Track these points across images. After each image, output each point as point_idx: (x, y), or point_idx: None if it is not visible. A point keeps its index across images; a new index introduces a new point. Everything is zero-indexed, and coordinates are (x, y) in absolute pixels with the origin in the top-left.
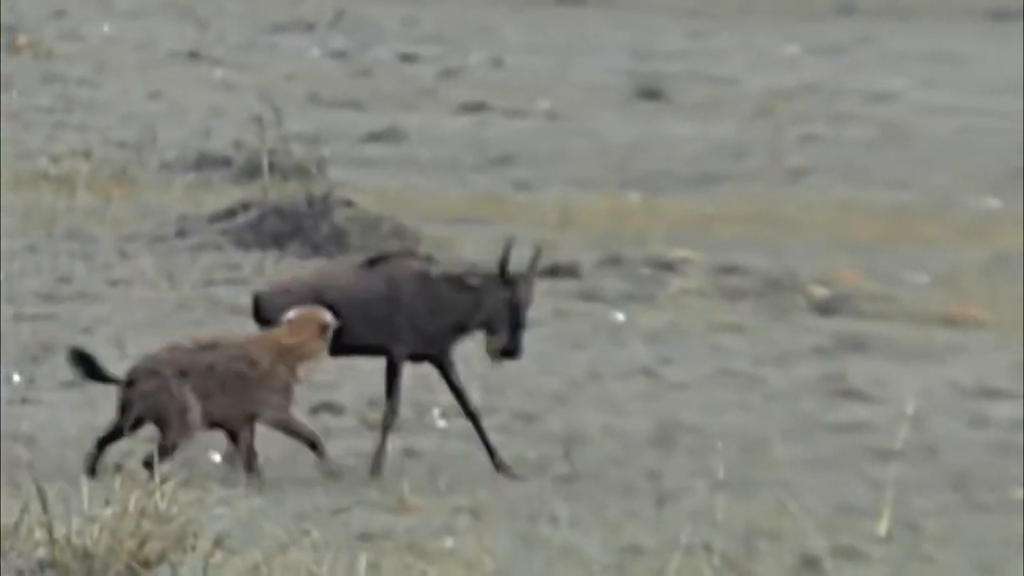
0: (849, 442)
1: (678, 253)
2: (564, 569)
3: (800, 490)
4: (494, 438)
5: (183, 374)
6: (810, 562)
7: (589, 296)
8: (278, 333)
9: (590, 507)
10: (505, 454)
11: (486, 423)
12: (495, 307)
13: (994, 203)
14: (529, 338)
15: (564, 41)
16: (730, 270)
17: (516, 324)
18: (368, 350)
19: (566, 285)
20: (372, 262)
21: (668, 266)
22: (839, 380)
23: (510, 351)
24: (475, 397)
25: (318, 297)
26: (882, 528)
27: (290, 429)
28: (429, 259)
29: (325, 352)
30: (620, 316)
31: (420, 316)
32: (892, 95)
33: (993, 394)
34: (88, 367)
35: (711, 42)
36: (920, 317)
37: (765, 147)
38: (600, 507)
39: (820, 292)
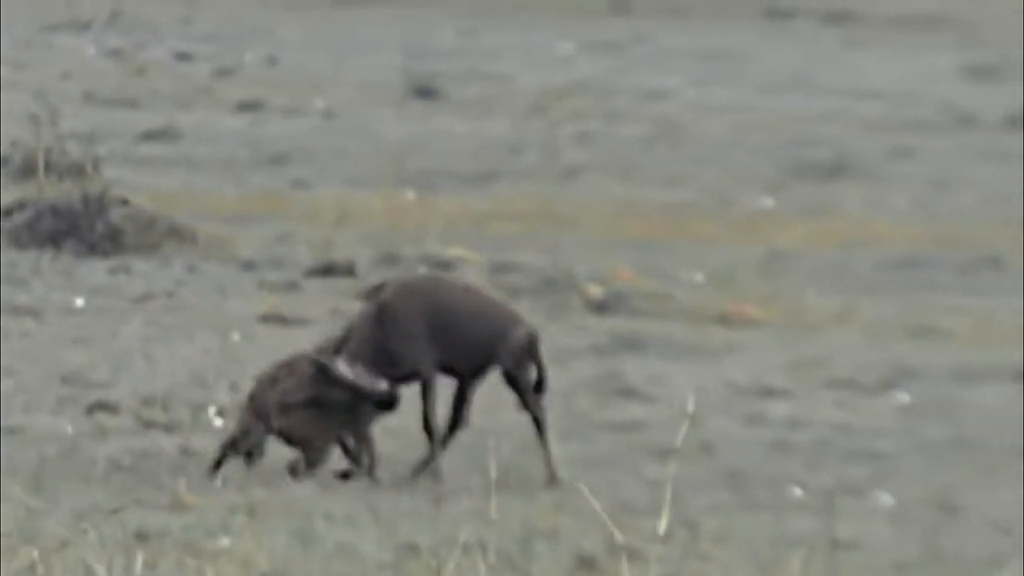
0: (626, 441)
1: (454, 251)
2: (341, 567)
3: (577, 489)
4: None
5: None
6: (586, 561)
7: None
8: None
9: (366, 505)
10: (281, 453)
11: None
12: None
13: (769, 202)
14: (304, 336)
15: (339, 40)
16: (506, 268)
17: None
18: None
19: (342, 284)
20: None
21: (444, 264)
22: (615, 379)
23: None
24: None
25: None
26: (661, 527)
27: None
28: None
29: None
30: None
31: None
32: (667, 93)
33: (768, 393)
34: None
35: (485, 40)
36: (696, 315)
37: (540, 145)
38: (376, 505)
39: (596, 291)
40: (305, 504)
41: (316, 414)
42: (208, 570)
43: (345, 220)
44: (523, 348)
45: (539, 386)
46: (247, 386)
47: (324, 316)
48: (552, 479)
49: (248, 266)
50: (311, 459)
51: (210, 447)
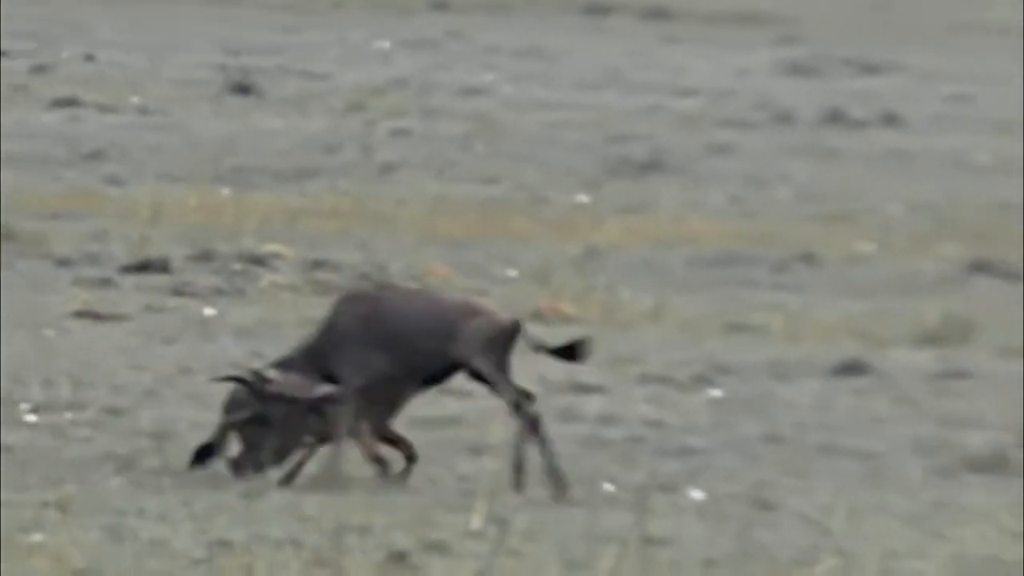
0: (441, 437)
1: (269, 248)
2: (154, 563)
3: (391, 486)
4: (83, 433)
5: None
6: (398, 556)
7: (180, 291)
8: None
9: (179, 501)
10: (94, 449)
11: (75, 418)
12: None
13: (584, 198)
14: (119, 333)
15: (155, 36)
16: (321, 265)
17: None
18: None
19: (157, 280)
20: None
21: (259, 261)
22: None
23: None
24: (64, 392)
25: None
26: (475, 522)
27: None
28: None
29: None
30: (211, 311)
31: None
32: (483, 90)
33: (582, 389)
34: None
35: (303, 37)
36: (510, 312)
37: (356, 142)
38: (189, 501)
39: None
40: (118, 500)
41: (265, 429)
42: (18, 566)
43: (160, 217)
44: (478, 339)
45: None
46: (61, 382)
47: (139, 312)
48: (556, 489)
49: (63, 263)
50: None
51: (23, 443)
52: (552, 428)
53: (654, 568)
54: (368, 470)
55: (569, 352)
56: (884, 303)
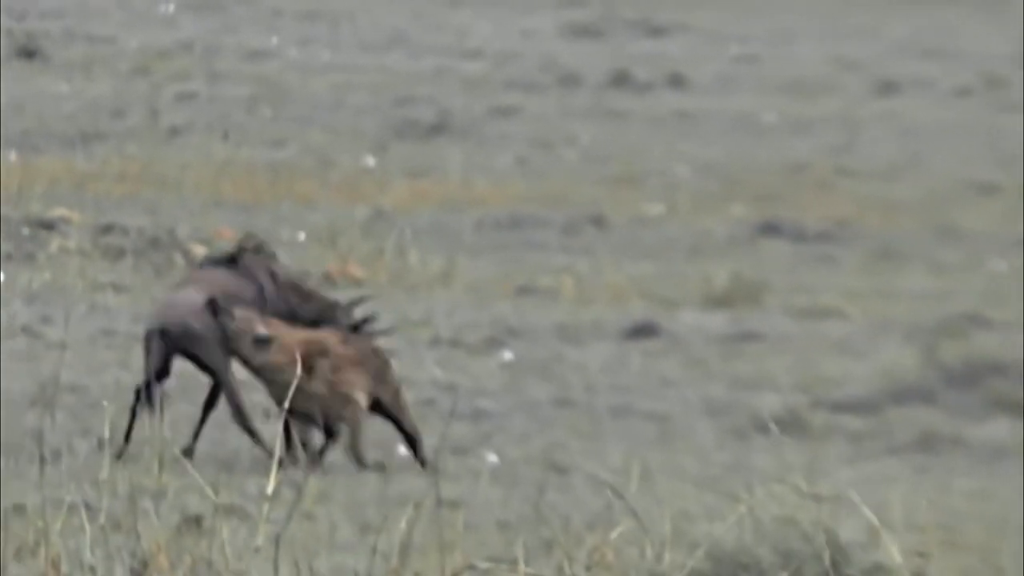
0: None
1: (56, 212)
2: None
3: (180, 451)
4: None
5: None
6: (193, 520)
7: None
8: None
9: None
10: None
11: None
12: None
13: (371, 161)
14: None
15: None
16: (109, 229)
17: None
18: None
19: None
20: None
21: (47, 225)
22: None
23: None
24: None
25: None
26: (269, 487)
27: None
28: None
29: None
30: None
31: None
32: (269, 53)
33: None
34: None
35: (88, 0)
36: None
37: (142, 106)
38: None
39: (199, 250)
40: None
41: None
42: None
43: None
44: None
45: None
46: None
47: None
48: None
49: None
50: None
51: None
52: None
53: (448, 531)
54: (157, 435)
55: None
56: (673, 265)
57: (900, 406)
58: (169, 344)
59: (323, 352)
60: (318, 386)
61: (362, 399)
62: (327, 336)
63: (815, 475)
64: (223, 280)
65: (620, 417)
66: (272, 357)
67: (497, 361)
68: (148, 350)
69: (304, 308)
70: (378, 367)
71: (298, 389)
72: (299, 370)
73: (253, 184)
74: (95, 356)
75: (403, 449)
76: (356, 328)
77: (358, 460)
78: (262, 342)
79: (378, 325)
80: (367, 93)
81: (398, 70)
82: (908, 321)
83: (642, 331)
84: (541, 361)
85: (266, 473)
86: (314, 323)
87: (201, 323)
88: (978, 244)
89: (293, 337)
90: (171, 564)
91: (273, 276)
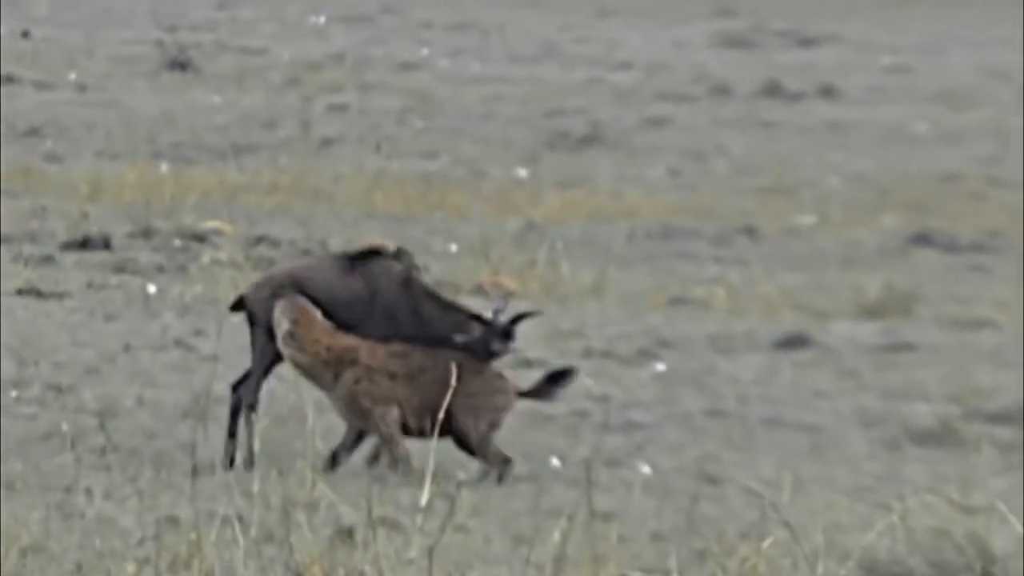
0: None
1: (209, 224)
2: (101, 541)
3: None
4: (27, 410)
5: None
6: (346, 533)
7: (121, 268)
8: None
9: (125, 478)
10: (39, 427)
11: (19, 396)
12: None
13: (523, 172)
14: (61, 310)
15: (90, 12)
16: (261, 240)
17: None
18: None
19: (98, 257)
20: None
21: (199, 237)
22: None
23: None
24: (7, 370)
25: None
26: (423, 499)
27: None
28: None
29: None
30: (152, 288)
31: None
32: (419, 65)
33: (525, 364)
34: None
35: (238, 12)
36: (451, 287)
37: (294, 117)
38: (135, 478)
39: None
40: (64, 478)
41: None
42: None
43: (99, 194)
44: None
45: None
46: (4, 360)
47: (80, 290)
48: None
49: (3, 241)
50: None
51: None
52: None
53: (601, 543)
54: (309, 446)
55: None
56: (825, 276)
57: None
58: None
59: (352, 361)
60: (341, 393)
61: (392, 412)
62: (363, 345)
63: (967, 486)
64: (321, 271)
65: (772, 428)
66: (295, 354)
67: (649, 372)
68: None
69: (442, 320)
70: (439, 383)
71: (329, 394)
72: (325, 374)
73: (405, 195)
74: (246, 368)
75: (556, 460)
76: (487, 344)
77: (400, 471)
78: (289, 336)
79: (517, 342)
80: (518, 104)
81: (549, 81)
82: None
83: (794, 342)
84: (693, 372)
85: (419, 485)
86: (447, 336)
87: (257, 304)
88: None
89: (324, 340)
90: None
91: (406, 284)
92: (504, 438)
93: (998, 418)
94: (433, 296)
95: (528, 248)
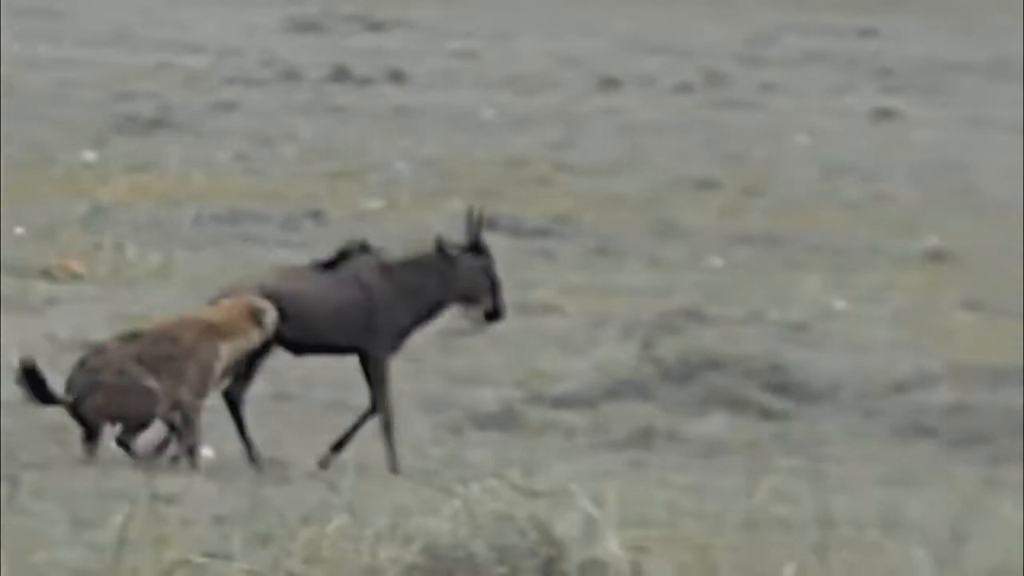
0: None
1: None
2: None
3: None
4: None
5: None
6: None
7: None
8: (203, 312)
9: None
10: None
11: None
12: (473, 277)
13: (91, 156)
14: None
15: None
16: None
17: (495, 287)
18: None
19: None
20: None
21: None
22: None
23: (496, 313)
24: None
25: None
26: None
27: (189, 417)
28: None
29: (256, 335)
30: None
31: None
32: None
33: (88, 346)
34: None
35: None
36: (18, 270)
37: None
38: None
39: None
40: None
41: None
42: None
43: None
44: None
45: None
46: None
47: None
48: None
49: None
50: None
51: None
52: (60, 386)
53: (164, 525)
54: None
55: None
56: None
57: (617, 401)
58: None
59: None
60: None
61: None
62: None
63: (531, 470)
64: (305, 280)
65: (336, 411)
66: None
67: None
68: None
69: (444, 278)
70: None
71: None
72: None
73: None
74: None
75: (115, 444)
76: None
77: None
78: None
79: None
80: (87, 88)
81: (118, 65)
82: (625, 317)
83: None
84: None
85: None
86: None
87: None
88: (696, 240)
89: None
90: None
91: (386, 271)
92: (68, 420)
93: (562, 403)
94: (408, 263)
95: (95, 231)
